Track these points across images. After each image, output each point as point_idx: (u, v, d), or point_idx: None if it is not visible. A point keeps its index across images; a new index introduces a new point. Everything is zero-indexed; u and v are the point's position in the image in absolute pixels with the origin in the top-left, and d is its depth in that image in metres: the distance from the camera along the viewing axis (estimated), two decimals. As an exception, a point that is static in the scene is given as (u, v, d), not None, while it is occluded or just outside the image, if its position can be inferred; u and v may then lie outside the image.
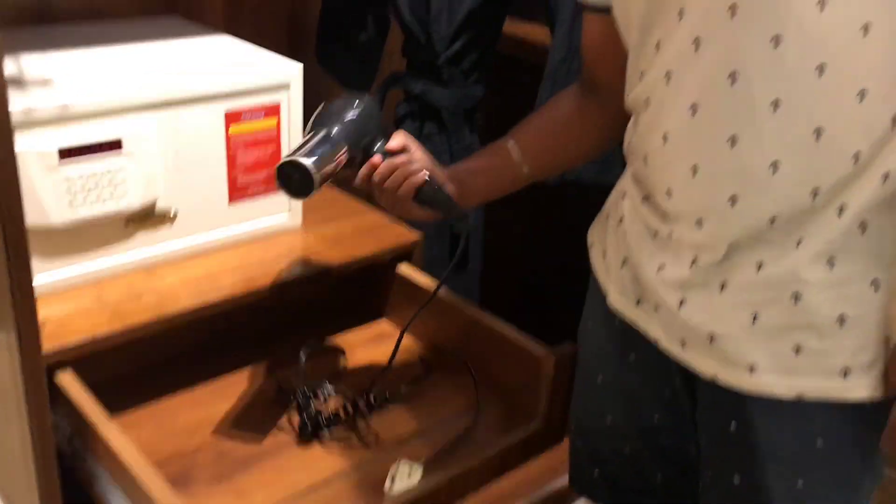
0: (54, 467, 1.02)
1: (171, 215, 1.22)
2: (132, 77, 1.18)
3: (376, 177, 1.05)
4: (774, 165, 0.84)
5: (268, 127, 1.27)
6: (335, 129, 1.00)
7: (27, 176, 1.06)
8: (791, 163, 0.84)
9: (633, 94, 0.96)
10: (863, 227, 0.86)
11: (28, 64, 1.18)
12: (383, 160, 1.04)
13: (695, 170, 0.88)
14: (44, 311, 1.08)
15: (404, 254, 1.37)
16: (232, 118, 1.23)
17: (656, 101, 0.91)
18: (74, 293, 1.15)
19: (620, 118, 1.01)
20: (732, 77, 0.83)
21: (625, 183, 1.03)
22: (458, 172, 1.12)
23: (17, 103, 1.04)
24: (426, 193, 1.04)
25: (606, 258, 1.06)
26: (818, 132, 0.83)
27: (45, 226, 1.10)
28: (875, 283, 0.88)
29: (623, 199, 1.03)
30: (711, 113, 0.85)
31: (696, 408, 1.01)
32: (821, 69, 0.80)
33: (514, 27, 1.66)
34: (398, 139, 1.06)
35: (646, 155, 0.94)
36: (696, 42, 0.84)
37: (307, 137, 1.00)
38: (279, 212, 1.35)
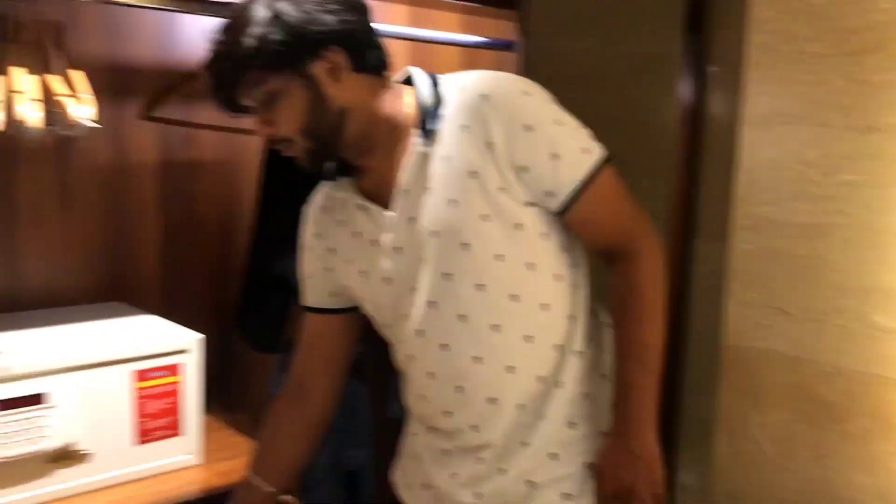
0: None
1: (85, 455, 1.53)
2: (62, 347, 1.54)
3: None
4: (510, 368, 1.20)
5: (170, 382, 1.61)
6: None
7: (-33, 423, 1.39)
8: (523, 366, 1.20)
9: (398, 362, 1.32)
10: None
11: (-14, 340, 1.55)
12: None
13: (461, 390, 1.22)
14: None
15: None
16: (140, 376, 1.57)
17: (410, 372, 1.29)
18: (-2, 520, 1.43)
19: (329, 406, 1.41)
20: (445, 347, 1.21)
21: (411, 426, 1.34)
22: None
23: (-35, 368, 1.40)
24: None
25: (411, 488, 1.34)
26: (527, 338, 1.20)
27: (-21, 463, 1.41)
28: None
29: (413, 437, 1.33)
30: (440, 368, 1.23)
31: None
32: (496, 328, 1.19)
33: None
34: None
35: (423, 395, 1.27)
36: (419, 333, 1.23)
37: None
38: (181, 452, 1.65)
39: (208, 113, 1.98)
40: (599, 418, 1.24)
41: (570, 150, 1.17)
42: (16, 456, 1.44)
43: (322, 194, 1.34)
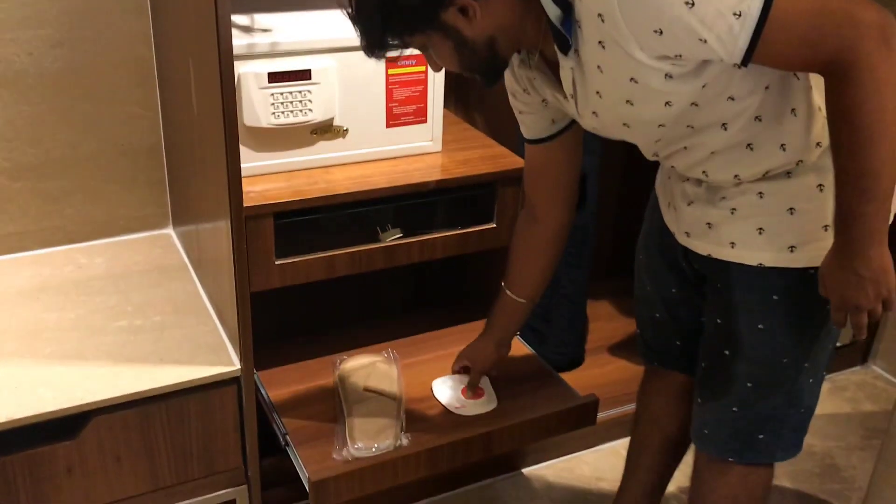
0: (247, 292, 1.51)
1: (343, 131, 1.69)
2: (324, 29, 1.65)
3: None
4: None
5: (418, 72, 1.71)
6: None
7: (247, 90, 1.56)
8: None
9: None
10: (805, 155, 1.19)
11: (257, 17, 1.68)
12: None
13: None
14: (249, 187, 1.57)
15: (516, 177, 1.75)
16: (391, 62, 1.67)
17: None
18: (272, 178, 1.64)
19: (560, 227, 1.48)
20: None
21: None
22: (498, 336, 1.63)
23: (243, 41, 1.54)
24: None
25: (658, 182, 1.41)
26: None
27: (257, 127, 1.59)
28: (820, 187, 1.18)
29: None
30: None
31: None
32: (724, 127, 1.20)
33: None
34: None
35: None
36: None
37: None
38: (424, 139, 1.78)
39: None
40: (820, 174, 1.21)
41: (718, 27, 1.01)
42: (285, 124, 1.62)
43: (515, 59, 1.31)
